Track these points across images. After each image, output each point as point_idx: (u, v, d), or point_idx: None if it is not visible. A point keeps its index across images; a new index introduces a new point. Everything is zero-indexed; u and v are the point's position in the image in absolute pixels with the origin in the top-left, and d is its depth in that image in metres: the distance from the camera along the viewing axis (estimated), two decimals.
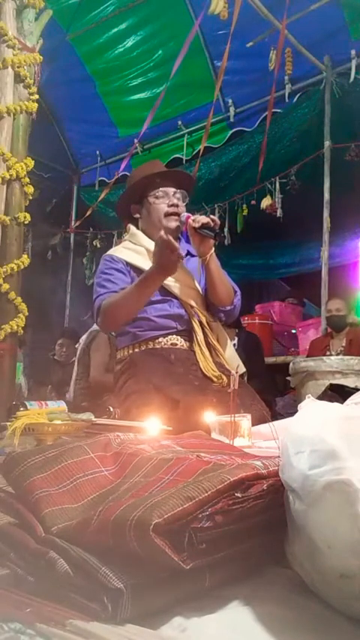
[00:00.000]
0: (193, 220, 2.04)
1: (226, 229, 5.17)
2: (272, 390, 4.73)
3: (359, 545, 0.57)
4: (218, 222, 2.09)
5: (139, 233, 2.25)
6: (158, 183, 2.19)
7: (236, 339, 4.60)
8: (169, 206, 2.17)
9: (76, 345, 3.85)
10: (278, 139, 4.95)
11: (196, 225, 2.02)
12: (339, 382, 2.94)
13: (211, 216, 2.08)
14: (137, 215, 2.28)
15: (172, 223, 2.16)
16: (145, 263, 2.15)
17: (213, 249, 2.09)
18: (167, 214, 2.17)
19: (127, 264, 2.19)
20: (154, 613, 0.64)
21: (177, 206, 2.17)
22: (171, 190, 2.19)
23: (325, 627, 0.61)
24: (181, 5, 4.70)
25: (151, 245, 2.11)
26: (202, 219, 2.03)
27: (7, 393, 2.77)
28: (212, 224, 2.02)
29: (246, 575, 0.73)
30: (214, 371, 2.04)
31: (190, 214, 2.11)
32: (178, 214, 2.16)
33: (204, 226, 2.01)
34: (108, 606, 0.61)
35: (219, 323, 2.27)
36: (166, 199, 2.18)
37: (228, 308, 2.22)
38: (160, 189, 2.18)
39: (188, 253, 2.26)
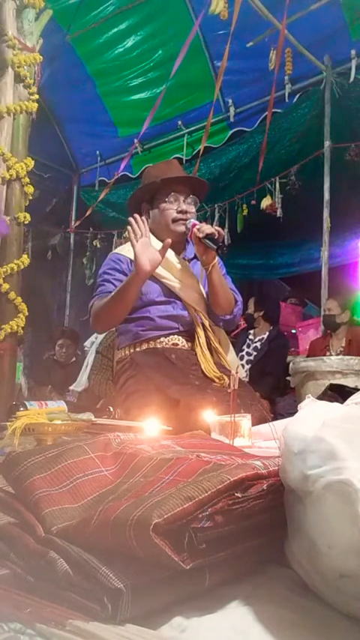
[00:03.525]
0: (198, 229, 2.03)
1: (226, 229, 5.17)
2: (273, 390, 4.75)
3: (359, 545, 0.57)
4: (223, 233, 2.09)
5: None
6: (171, 186, 2.19)
7: (267, 333, 4.63)
8: (178, 212, 2.16)
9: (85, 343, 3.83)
10: (278, 139, 4.95)
11: (201, 235, 2.02)
12: (339, 382, 2.94)
13: (217, 227, 2.07)
14: (146, 215, 2.27)
15: (180, 228, 2.16)
16: None
17: (216, 259, 2.09)
18: (175, 220, 2.17)
19: (132, 262, 2.19)
20: (154, 613, 0.64)
21: (186, 212, 2.16)
22: (182, 196, 2.18)
23: (325, 627, 0.61)
24: (181, 5, 4.70)
25: (158, 245, 2.12)
26: (207, 229, 2.03)
27: (7, 393, 2.77)
28: (216, 235, 2.02)
29: (246, 575, 0.73)
30: (215, 372, 2.04)
31: (196, 222, 2.11)
32: (186, 220, 2.16)
33: (208, 237, 2.01)
34: (108, 606, 0.61)
35: (221, 327, 2.27)
36: (176, 204, 2.17)
37: (227, 317, 2.23)
38: (172, 193, 2.17)
39: (195, 257, 2.26)
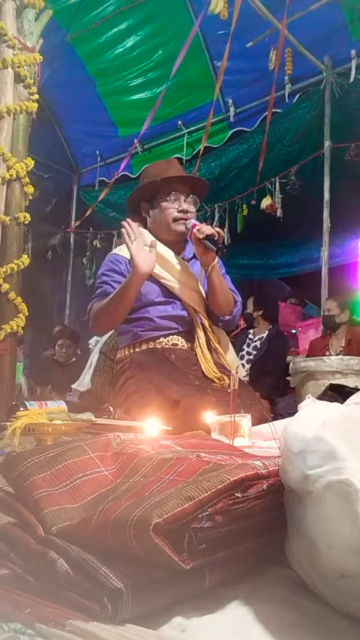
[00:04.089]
0: (198, 230, 2.03)
1: (226, 229, 5.18)
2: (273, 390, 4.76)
3: (359, 545, 0.57)
4: (223, 234, 2.08)
5: (146, 232, 2.24)
6: (171, 185, 2.18)
7: (266, 332, 4.64)
8: (179, 211, 2.16)
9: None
10: (278, 139, 4.95)
11: (200, 236, 2.02)
12: (339, 382, 2.94)
13: (216, 228, 2.06)
14: (146, 215, 2.27)
15: (180, 227, 2.16)
16: None
17: (216, 259, 2.09)
18: (175, 219, 2.16)
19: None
20: (154, 613, 0.64)
21: (186, 211, 2.16)
22: (182, 195, 2.18)
23: (325, 627, 0.61)
24: (181, 5, 4.70)
25: (157, 245, 2.12)
26: (207, 230, 2.02)
27: (7, 393, 2.77)
28: (216, 237, 2.01)
29: (246, 575, 0.73)
30: (215, 372, 2.04)
31: (196, 222, 2.10)
32: (186, 220, 2.16)
33: (208, 238, 2.01)
34: (108, 606, 0.61)
35: (220, 328, 2.27)
36: (177, 204, 2.16)
37: (227, 318, 2.22)
38: (173, 192, 2.16)
39: (194, 256, 2.26)
